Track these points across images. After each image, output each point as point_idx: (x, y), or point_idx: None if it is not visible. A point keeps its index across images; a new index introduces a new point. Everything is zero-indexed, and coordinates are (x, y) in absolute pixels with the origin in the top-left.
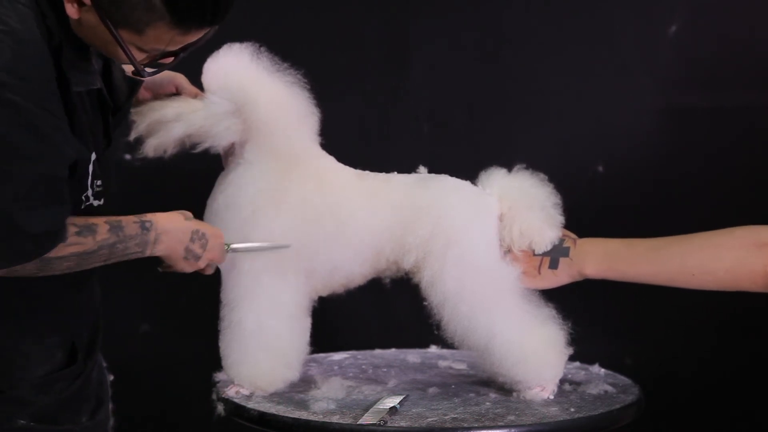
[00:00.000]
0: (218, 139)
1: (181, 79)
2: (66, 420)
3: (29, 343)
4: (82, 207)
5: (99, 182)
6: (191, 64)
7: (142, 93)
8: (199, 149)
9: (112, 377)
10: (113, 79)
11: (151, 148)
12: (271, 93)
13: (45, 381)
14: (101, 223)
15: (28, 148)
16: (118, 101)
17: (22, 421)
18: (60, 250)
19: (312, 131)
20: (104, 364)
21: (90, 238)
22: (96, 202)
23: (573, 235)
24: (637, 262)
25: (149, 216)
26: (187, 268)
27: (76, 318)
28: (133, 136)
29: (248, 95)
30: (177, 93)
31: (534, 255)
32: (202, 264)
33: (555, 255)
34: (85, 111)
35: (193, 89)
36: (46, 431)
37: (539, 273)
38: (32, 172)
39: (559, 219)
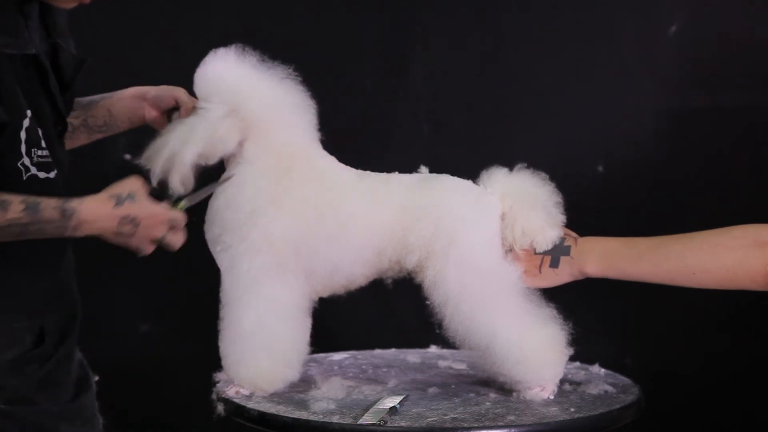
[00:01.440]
0: (224, 144)
1: (179, 92)
2: (44, 400)
3: None
4: (24, 178)
5: (41, 152)
6: (187, 75)
7: (148, 111)
8: (215, 161)
9: (97, 378)
10: (60, 59)
11: (177, 185)
12: (263, 89)
13: (14, 364)
14: (16, 201)
15: None
16: (64, 78)
17: None
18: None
19: (311, 128)
20: (84, 361)
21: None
22: (42, 174)
23: (574, 234)
24: (637, 260)
25: (74, 203)
26: (130, 246)
27: (46, 304)
28: (154, 182)
29: (239, 94)
30: (177, 107)
31: (535, 254)
32: (138, 243)
33: (556, 254)
34: (14, 74)
35: (192, 101)
36: (23, 412)
37: (540, 272)
38: None
39: (561, 218)
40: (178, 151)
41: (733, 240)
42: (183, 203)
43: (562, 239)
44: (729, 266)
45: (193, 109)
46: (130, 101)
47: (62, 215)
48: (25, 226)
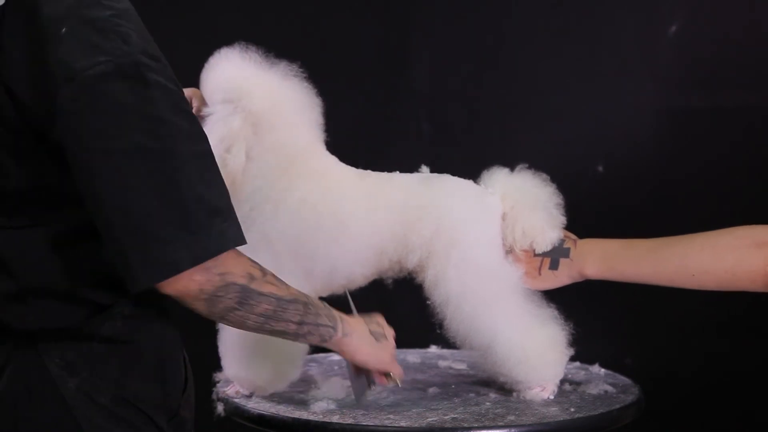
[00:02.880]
0: (243, 140)
1: (192, 92)
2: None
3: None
4: None
5: None
6: (188, 76)
7: None
8: (242, 158)
9: None
10: None
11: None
12: (265, 86)
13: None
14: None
15: (186, 128)
16: None
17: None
18: (261, 284)
19: (315, 126)
20: None
21: (283, 285)
22: None
23: (573, 236)
24: (636, 262)
25: (334, 313)
26: (388, 356)
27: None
28: None
29: (242, 90)
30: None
31: (534, 255)
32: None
33: (555, 256)
34: None
35: (205, 102)
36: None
37: (539, 274)
38: (195, 152)
39: (561, 219)
40: (226, 162)
41: (733, 241)
42: None
43: (562, 241)
44: (728, 267)
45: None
46: None
47: (328, 312)
48: (306, 306)
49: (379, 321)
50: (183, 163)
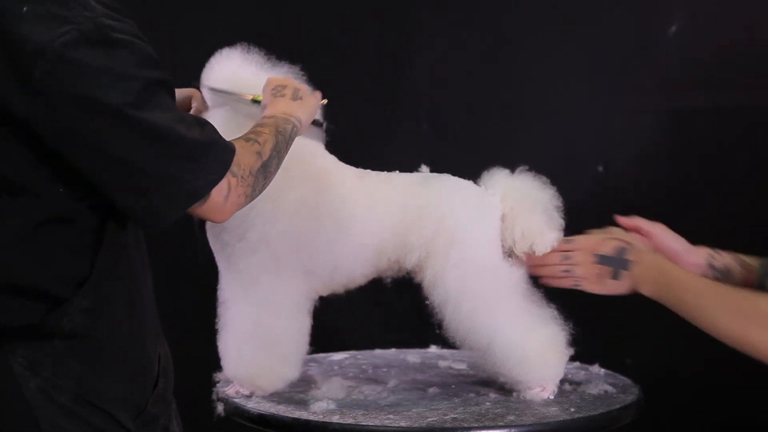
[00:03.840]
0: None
1: (194, 93)
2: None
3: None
4: None
5: None
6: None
7: None
8: None
9: None
10: None
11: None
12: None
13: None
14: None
15: (156, 76)
16: None
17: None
18: (263, 150)
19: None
20: None
21: (264, 132)
22: None
23: (632, 241)
24: (679, 301)
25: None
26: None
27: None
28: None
29: (243, 90)
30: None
31: (596, 263)
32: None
33: (617, 267)
34: None
35: (205, 103)
36: None
37: (600, 282)
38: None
39: (560, 222)
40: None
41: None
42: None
43: (623, 250)
44: (754, 343)
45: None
46: None
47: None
48: (278, 126)
49: (279, 83)
50: (162, 108)
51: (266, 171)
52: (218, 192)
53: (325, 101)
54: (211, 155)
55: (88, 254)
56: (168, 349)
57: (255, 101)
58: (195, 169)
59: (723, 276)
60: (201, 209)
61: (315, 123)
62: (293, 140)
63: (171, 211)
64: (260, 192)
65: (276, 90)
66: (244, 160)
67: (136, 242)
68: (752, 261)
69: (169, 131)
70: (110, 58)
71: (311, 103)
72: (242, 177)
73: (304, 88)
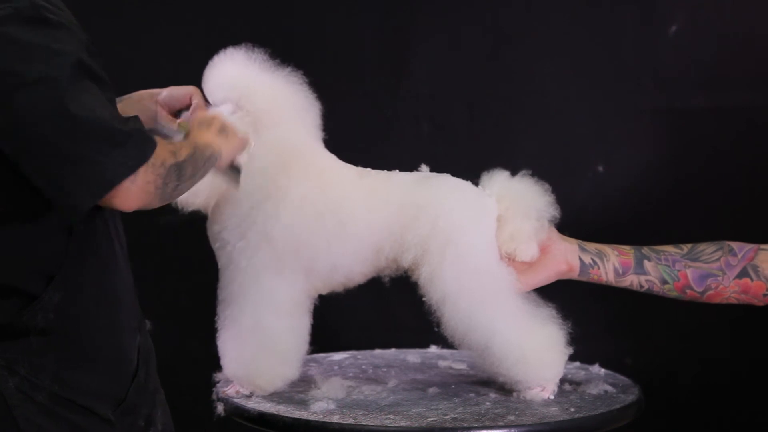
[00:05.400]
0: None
1: (193, 90)
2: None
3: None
4: None
5: None
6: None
7: (159, 111)
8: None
9: None
10: None
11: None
12: (266, 85)
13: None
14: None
15: (85, 59)
16: None
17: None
18: (180, 152)
19: (314, 126)
20: None
21: (181, 142)
22: None
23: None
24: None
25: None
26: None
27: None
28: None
29: (243, 88)
30: (188, 106)
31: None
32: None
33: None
34: None
35: (205, 101)
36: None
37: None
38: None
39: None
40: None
41: None
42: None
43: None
44: None
45: (207, 108)
46: (141, 104)
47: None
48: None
49: (207, 118)
50: (88, 92)
51: (180, 172)
52: (129, 179)
53: (252, 144)
54: (130, 144)
55: (57, 249)
56: (150, 340)
57: (182, 128)
58: (112, 154)
59: (598, 257)
60: (109, 195)
61: (233, 168)
62: (211, 166)
63: (84, 196)
64: (172, 194)
65: (202, 123)
66: (159, 151)
67: (107, 234)
68: (627, 248)
69: (90, 114)
70: (41, 36)
71: (234, 142)
72: (153, 164)
73: (232, 126)
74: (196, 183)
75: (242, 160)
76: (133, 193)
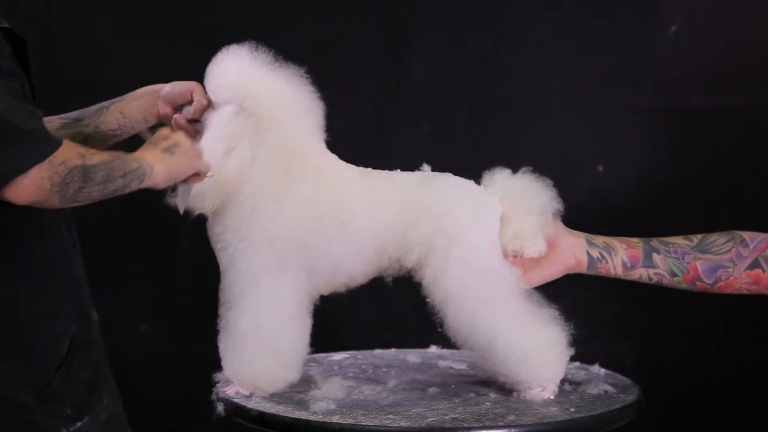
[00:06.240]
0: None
1: (195, 86)
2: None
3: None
4: None
5: None
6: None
7: (161, 107)
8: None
9: None
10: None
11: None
12: (270, 85)
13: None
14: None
15: None
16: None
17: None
18: (91, 158)
19: (316, 126)
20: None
21: (99, 151)
22: None
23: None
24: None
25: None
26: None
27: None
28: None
29: (247, 89)
30: (190, 101)
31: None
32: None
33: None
34: None
35: (207, 97)
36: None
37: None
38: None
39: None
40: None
41: None
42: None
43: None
44: None
45: (208, 104)
46: (143, 100)
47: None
48: (114, 160)
49: (163, 135)
50: None
51: (86, 175)
52: (24, 174)
53: (211, 175)
54: (27, 142)
55: None
56: (96, 330)
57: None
58: (6, 150)
59: (606, 251)
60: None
61: (182, 189)
62: (136, 179)
63: None
64: (77, 196)
65: (156, 139)
66: (63, 150)
67: (38, 226)
68: (636, 240)
69: None
70: None
71: (179, 162)
72: (51, 162)
73: (186, 149)
74: (115, 192)
75: (195, 184)
76: (26, 186)
